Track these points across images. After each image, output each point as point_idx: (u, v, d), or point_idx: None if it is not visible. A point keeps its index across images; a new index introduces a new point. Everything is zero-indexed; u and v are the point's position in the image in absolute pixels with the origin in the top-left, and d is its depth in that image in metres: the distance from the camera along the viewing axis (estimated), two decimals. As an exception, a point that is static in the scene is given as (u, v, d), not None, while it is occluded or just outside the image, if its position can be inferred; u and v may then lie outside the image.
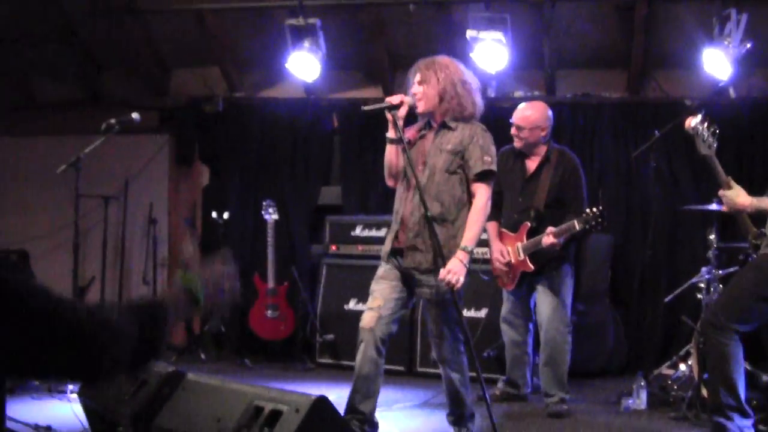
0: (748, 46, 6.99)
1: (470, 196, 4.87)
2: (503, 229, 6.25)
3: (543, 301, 6.17)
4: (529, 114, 6.20)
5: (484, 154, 4.83)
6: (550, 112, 6.28)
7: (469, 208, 4.84)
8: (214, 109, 8.98)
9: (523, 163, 6.29)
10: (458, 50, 7.64)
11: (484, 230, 5.64)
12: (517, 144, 6.24)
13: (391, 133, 4.86)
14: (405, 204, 4.91)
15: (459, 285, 4.64)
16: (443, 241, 4.72)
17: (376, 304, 4.89)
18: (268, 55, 8.53)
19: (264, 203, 8.02)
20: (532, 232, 6.07)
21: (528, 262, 6.06)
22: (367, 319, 4.87)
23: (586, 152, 8.27)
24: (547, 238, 5.88)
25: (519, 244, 6.10)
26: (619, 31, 7.97)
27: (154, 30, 8.76)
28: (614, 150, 8.25)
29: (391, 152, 4.93)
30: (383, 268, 4.98)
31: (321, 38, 7.79)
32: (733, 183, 4.78)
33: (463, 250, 4.69)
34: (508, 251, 6.14)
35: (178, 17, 8.46)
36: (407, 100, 4.84)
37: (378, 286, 4.95)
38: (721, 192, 4.83)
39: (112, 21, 8.47)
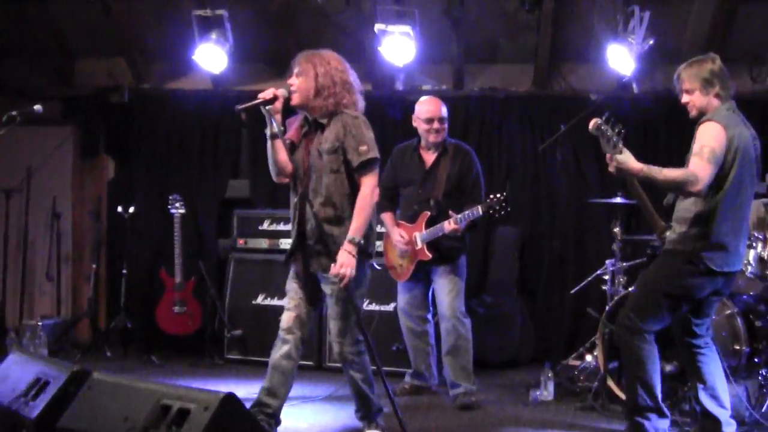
0: (651, 42, 7.15)
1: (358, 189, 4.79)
2: (401, 221, 6.30)
3: (441, 291, 6.23)
4: (443, 107, 6.29)
5: (359, 145, 4.71)
6: None
7: None
8: (120, 100, 8.80)
9: (421, 157, 6.36)
10: (366, 43, 7.66)
11: (381, 223, 5.73)
12: (435, 138, 6.26)
13: (268, 129, 4.76)
14: (298, 210, 4.86)
15: (351, 276, 4.62)
16: (342, 240, 4.70)
17: (293, 305, 4.91)
18: (175, 46, 8.38)
19: (170, 197, 7.88)
20: (432, 222, 6.13)
21: (425, 250, 6.13)
22: (286, 320, 4.89)
23: (493, 146, 8.36)
24: (449, 224, 5.95)
25: (417, 234, 6.17)
26: (526, 27, 8.06)
27: (59, 17, 8.52)
28: (521, 143, 8.34)
29: (271, 149, 4.80)
30: (293, 269, 4.96)
31: (228, 30, 7.70)
32: (623, 148, 4.55)
33: (351, 242, 4.63)
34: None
35: (84, 5, 8.21)
36: (281, 92, 4.72)
37: (291, 286, 4.96)
38: (609, 156, 4.58)
39: (14, 6, 8.22)
